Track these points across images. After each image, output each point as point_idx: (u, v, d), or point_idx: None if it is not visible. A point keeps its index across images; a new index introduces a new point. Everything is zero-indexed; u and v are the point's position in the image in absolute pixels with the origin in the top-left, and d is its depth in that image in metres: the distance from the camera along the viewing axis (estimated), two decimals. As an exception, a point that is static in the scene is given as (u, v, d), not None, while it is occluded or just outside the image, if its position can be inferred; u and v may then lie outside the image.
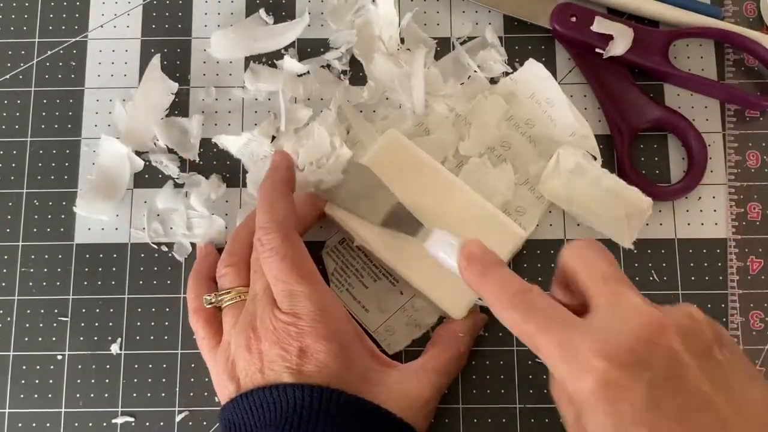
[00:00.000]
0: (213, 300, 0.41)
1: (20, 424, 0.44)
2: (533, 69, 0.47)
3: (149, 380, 0.44)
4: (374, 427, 0.36)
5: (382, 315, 0.44)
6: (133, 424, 0.43)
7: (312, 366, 0.36)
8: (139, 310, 0.45)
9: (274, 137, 0.46)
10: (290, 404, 0.35)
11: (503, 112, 0.46)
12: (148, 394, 0.44)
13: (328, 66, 0.48)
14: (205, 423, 0.43)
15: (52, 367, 0.44)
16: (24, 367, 0.44)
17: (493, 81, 0.47)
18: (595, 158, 0.45)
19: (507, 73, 0.47)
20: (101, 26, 0.49)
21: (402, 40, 0.48)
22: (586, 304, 0.31)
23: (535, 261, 0.45)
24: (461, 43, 0.48)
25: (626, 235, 0.44)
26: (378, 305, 0.44)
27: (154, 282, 0.45)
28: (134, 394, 0.44)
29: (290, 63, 0.47)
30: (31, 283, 0.45)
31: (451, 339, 0.41)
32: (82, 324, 0.45)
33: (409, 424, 0.37)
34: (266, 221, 0.38)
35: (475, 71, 0.47)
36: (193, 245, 0.46)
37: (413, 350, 0.44)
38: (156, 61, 0.48)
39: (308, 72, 0.47)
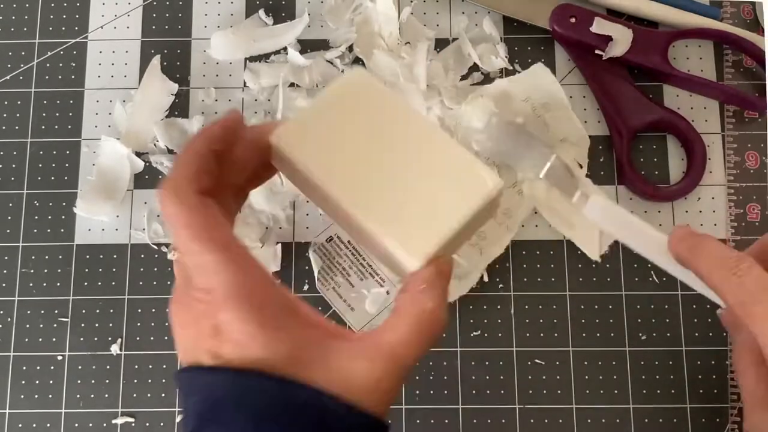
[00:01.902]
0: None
1: (20, 425, 0.44)
2: (540, 73, 0.47)
3: (149, 380, 0.44)
4: (305, 416, 0.29)
5: (368, 314, 0.44)
6: (133, 424, 0.44)
7: (229, 347, 0.30)
8: (139, 310, 0.45)
9: None
10: (203, 392, 0.30)
11: (491, 114, 0.46)
12: (148, 394, 0.44)
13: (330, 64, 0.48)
14: (205, 423, 0.43)
15: (52, 367, 0.44)
16: (24, 368, 0.44)
17: (488, 77, 0.48)
18: (581, 167, 0.45)
19: (506, 69, 0.48)
20: (101, 27, 0.49)
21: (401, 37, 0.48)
22: None
23: (535, 261, 0.45)
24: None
25: (596, 248, 0.44)
26: (364, 304, 0.44)
27: (154, 283, 0.45)
28: (134, 394, 0.44)
29: (294, 56, 0.47)
30: (31, 284, 0.45)
31: (410, 299, 0.32)
32: (82, 324, 0.45)
33: (356, 412, 0.30)
34: (161, 185, 0.31)
35: (475, 63, 0.47)
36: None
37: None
38: (156, 62, 0.48)
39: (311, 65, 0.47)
